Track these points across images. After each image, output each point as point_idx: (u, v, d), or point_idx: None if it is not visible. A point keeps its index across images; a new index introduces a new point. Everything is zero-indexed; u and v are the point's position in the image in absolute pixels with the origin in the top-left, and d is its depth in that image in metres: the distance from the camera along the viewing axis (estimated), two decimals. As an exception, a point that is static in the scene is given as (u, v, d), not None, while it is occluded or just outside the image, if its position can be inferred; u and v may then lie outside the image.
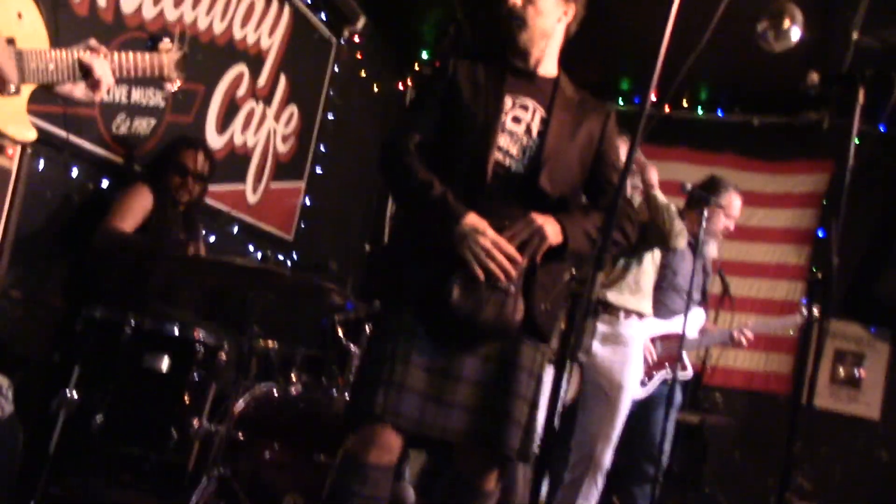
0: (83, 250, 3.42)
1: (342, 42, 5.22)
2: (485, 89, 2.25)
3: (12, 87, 1.87)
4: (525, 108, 2.27)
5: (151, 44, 2.20)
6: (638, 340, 3.52)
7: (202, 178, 3.65)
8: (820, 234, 5.32)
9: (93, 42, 2.06)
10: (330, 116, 5.26)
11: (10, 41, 1.85)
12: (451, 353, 2.15)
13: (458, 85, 2.26)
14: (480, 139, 2.19)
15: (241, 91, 4.44)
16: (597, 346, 3.30)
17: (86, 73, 2.01)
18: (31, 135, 2.02)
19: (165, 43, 2.20)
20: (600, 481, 3.43)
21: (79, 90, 2.08)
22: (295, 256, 5.11)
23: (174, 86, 2.24)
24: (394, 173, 2.24)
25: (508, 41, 2.30)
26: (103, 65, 2.03)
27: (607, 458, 3.44)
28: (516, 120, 2.25)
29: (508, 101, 2.26)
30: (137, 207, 3.46)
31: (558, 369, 1.69)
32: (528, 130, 2.24)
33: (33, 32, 1.93)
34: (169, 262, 3.38)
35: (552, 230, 2.15)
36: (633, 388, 3.49)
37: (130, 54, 2.11)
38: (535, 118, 2.27)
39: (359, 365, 2.22)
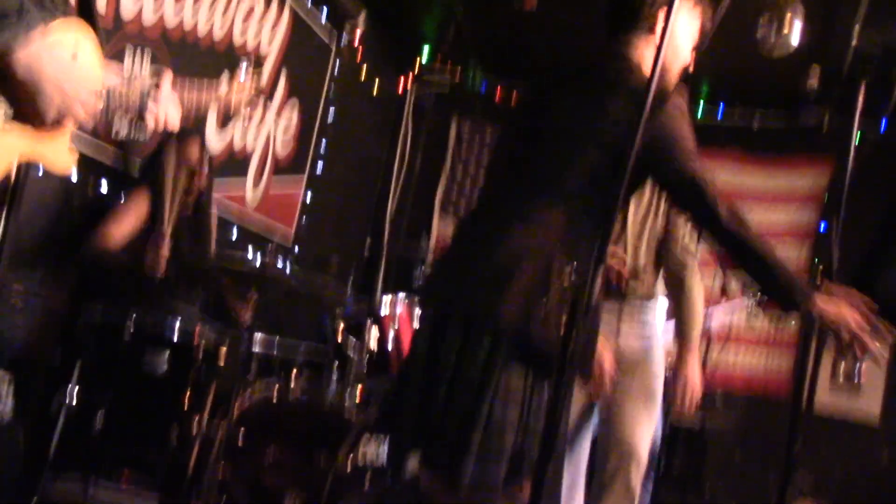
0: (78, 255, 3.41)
1: (342, 43, 5.22)
2: None
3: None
4: None
5: (229, 67, 2.11)
6: (660, 322, 3.32)
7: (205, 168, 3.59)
8: (821, 231, 5.32)
9: (164, 85, 1.99)
10: (330, 117, 5.26)
11: None
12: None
13: None
14: None
15: (242, 91, 4.43)
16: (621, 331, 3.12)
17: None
18: (72, 167, 2.04)
19: (241, 70, 2.11)
20: (634, 476, 2.94)
21: None
22: (295, 256, 5.11)
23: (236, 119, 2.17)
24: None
25: None
26: (167, 108, 1.99)
27: (644, 448, 2.98)
28: None
29: None
30: (132, 213, 3.45)
31: (561, 371, 1.68)
32: None
33: (85, 75, 1.89)
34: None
35: None
36: (661, 370, 3.22)
37: (200, 92, 2.05)
38: None
39: (480, 428, 2.04)
